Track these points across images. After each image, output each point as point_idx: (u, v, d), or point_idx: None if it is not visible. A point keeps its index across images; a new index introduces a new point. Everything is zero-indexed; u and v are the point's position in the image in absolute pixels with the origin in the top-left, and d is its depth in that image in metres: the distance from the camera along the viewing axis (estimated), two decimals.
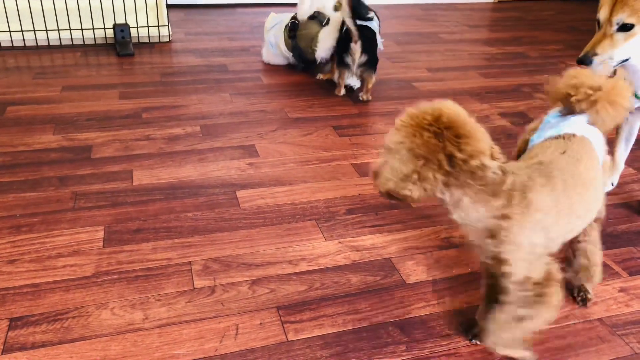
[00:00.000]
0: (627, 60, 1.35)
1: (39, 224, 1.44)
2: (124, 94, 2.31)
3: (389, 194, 0.94)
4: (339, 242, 1.42)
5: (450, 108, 0.91)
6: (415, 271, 1.32)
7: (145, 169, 1.73)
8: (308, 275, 1.29)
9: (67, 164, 1.74)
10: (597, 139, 1.10)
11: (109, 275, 1.26)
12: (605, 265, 1.37)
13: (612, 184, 1.70)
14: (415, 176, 0.91)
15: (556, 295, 0.98)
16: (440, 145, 0.89)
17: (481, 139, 0.90)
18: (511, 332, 1.02)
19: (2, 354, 1.05)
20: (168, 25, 3.05)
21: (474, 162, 0.89)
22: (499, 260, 0.96)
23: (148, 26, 2.98)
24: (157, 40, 3.03)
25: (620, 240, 1.47)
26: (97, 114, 2.11)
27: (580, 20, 3.97)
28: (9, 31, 2.79)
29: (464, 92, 2.48)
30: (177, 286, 1.24)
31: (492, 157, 0.91)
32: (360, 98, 2.32)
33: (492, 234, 0.94)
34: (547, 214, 0.95)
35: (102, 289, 1.22)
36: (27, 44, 2.84)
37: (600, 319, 1.19)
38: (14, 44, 2.82)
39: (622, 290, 1.28)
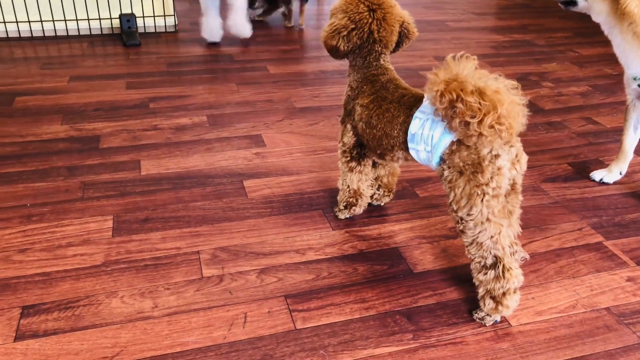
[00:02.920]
0: (575, 3, 1.48)
1: (48, 213, 1.45)
2: (131, 84, 2.32)
3: (325, 44, 1.26)
4: (346, 232, 1.42)
5: None
6: (421, 260, 1.33)
7: (153, 158, 1.74)
8: (315, 264, 1.30)
9: (75, 154, 1.76)
10: None
11: (119, 264, 1.28)
12: (612, 255, 1.37)
13: (621, 173, 1.69)
14: (344, 33, 1.22)
15: None
16: (369, 20, 1.21)
17: (395, 32, 1.24)
18: None
19: (15, 342, 1.07)
20: (174, 15, 3.05)
21: (377, 47, 1.25)
22: None
23: (154, 16, 2.97)
24: (163, 30, 3.03)
25: (629, 229, 1.47)
26: (104, 104, 2.12)
27: None
28: (16, 22, 2.80)
29: None
30: (185, 275, 1.25)
31: (406, 36, 1.28)
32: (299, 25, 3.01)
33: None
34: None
35: (111, 278, 1.23)
36: (34, 35, 2.84)
37: (607, 308, 1.20)
38: (21, 35, 2.83)
39: (629, 279, 1.28)
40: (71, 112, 2.05)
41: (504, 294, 1.10)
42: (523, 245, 1.36)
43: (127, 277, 1.24)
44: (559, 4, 1.57)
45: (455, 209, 1.09)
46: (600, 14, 1.44)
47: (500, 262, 1.08)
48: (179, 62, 2.60)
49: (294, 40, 2.98)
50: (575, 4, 1.51)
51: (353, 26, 1.21)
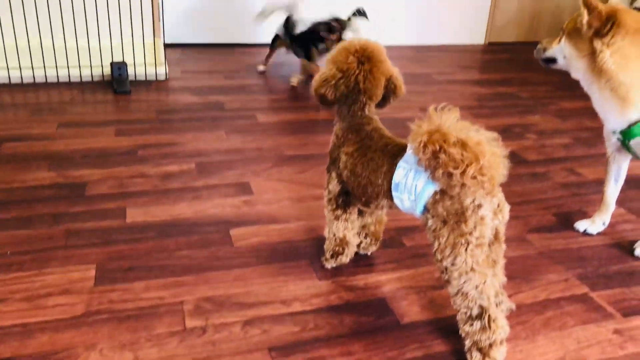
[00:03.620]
0: (555, 61, 1.57)
1: (30, 262, 1.43)
2: (120, 131, 2.33)
3: (315, 92, 1.31)
4: (333, 282, 1.41)
5: (375, 45, 1.28)
6: (409, 311, 1.31)
7: (140, 206, 1.73)
8: (301, 316, 1.28)
9: (61, 201, 1.74)
10: None
11: (100, 315, 1.25)
12: (599, 306, 1.36)
13: (604, 224, 1.71)
14: (331, 82, 1.27)
15: None
16: (357, 71, 1.26)
17: (380, 86, 1.28)
18: None
19: None
20: (165, 64, 3.10)
21: (362, 98, 1.29)
22: None
23: (145, 64, 3.02)
24: (154, 78, 3.07)
25: (613, 281, 1.48)
26: (92, 151, 2.12)
27: None
28: (7, 68, 2.83)
29: None
30: (168, 326, 1.22)
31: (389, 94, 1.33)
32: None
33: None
34: None
35: (92, 329, 1.20)
36: (24, 81, 2.87)
37: None
38: (12, 81, 2.85)
39: (616, 332, 1.28)
40: (59, 158, 2.05)
41: (490, 345, 1.09)
42: (509, 296, 1.35)
43: (108, 328, 1.21)
44: (540, 62, 1.63)
45: (439, 258, 1.09)
46: (578, 71, 1.49)
47: (485, 313, 1.08)
48: (168, 110, 2.62)
49: (283, 89, 3.03)
50: (555, 61, 1.57)
51: (340, 75, 1.27)
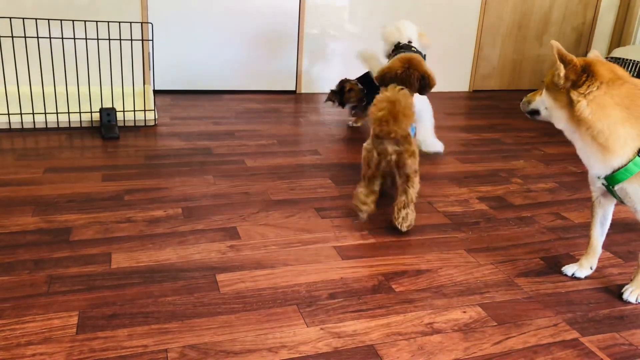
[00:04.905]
0: (538, 113, 1.62)
1: (9, 309, 1.39)
2: (107, 176, 2.32)
3: (380, 73, 2.22)
4: (321, 329, 1.39)
5: (416, 56, 2.21)
6: (398, 358, 1.29)
7: (125, 251, 1.71)
8: None
9: (44, 246, 1.71)
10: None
11: None
12: (590, 352, 1.35)
13: (591, 268, 1.71)
14: (391, 72, 2.17)
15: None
16: (400, 69, 2.16)
17: (415, 78, 2.17)
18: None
19: None
20: (154, 110, 3.13)
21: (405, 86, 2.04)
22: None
23: (134, 110, 3.04)
24: (142, 124, 3.09)
25: (603, 325, 1.47)
26: (78, 196, 2.10)
27: None
28: None
29: (443, 176, 2.54)
30: None
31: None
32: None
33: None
34: None
35: None
36: (12, 127, 2.87)
37: None
38: None
39: None
40: (43, 203, 2.02)
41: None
42: (499, 342, 1.33)
43: None
44: (527, 115, 1.68)
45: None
46: (560, 121, 1.53)
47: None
48: (156, 155, 2.63)
49: (272, 135, 3.06)
50: (538, 113, 1.62)
51: (387, 70, 2.16)
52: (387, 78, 2.13)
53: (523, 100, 1.69)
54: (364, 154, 1.93)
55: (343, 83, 3.16)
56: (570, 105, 1.46)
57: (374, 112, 1.82)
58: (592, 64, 1.44)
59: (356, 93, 3.11)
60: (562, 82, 1.46)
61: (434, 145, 2.88)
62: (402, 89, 1.84)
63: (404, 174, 1.88)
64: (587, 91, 1.42)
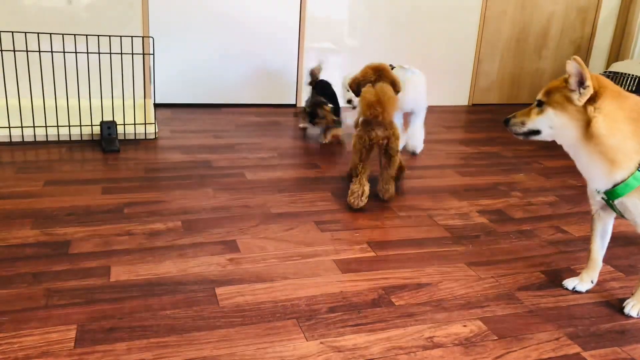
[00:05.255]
0: (538, 132, 1.55)
1: (7, 322, 1.38)
2: (107, 189, 2.32)
3: (352, 83, 2.47)
4: (321, 343, 1.38)
5: (384, 65, 2.45)
6: None
7: (124, 264, 1.70)
8: None
9: (43, 259, 1.71)
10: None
11: None
12: None
13: (592, 282, 1.71)
14: (360, 80, 2.45)
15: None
16: (373, 77, 2.43)
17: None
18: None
19: None
20: (155, 123, 3.14)
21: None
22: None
23: (135, 124, 3.05)
24: (143, 137, 3.10)
25: (605, 339, 1.46)
26: (78, 209, 2.10)
27: None
28: None
29: (443, 189, 2.54)
30: None
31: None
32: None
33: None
34: None
35: None
36: (13, 140, 2.87)
37: None
38: (0, 140, 2.86)
39: None
40: (43, 216, 2.02)
41: None
42: (501, 356, 1.32)
43: None
44: (518, 136, 1.60)
45: None
46: (568, 139, 1.50)
47: None
48: (156, 168, 2.63)
49: (272, 148, 3.06)
50: (538, 133, 1.55)
51: (362, 78, 2.40)
52: (362, 85, 2.41)
53: (511, 122, 1.59)
54: (354, 140, 2.24)
55: (316, 107, 3.16)
56: (582, 121, 1.44)
57: (366, 97, 2.19)
58: (599, 79, 1.43)
59: (329, 117, 3.13)
60: (576, 98, 1.43)
61: (417, 145, 3.06)
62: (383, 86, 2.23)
63: (389, 154, 2.26)
64: (602, 105, 1.41)
